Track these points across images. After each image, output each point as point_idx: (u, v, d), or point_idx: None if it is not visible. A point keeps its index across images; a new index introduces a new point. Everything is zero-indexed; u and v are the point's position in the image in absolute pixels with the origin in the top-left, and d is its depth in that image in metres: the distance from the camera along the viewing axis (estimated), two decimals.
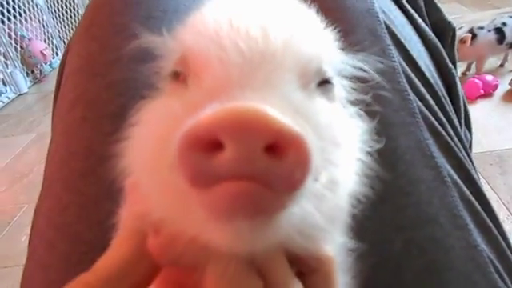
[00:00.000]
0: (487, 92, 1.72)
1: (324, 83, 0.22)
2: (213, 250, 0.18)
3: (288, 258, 0.20)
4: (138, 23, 0.40)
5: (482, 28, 1.81)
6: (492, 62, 1.94)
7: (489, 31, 1.80)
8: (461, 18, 2.31)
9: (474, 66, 1.92)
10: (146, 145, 0.20)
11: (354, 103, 0.26)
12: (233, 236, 0.16)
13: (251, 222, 0.16)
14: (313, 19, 0.24)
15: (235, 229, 0.16)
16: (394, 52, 0.39)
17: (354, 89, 0.26)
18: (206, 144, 0.15)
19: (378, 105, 0.28)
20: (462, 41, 1.75)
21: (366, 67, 0.25)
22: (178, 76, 0.22)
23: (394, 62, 0.39)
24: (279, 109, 0.16)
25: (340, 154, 0.20)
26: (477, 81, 1.71)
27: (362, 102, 0.26)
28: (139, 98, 0.38)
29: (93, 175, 0.37)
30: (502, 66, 1.95)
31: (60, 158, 0.39)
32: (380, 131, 0.24)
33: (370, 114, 0.25)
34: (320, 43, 0.22)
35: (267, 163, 0.15)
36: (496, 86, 1.74)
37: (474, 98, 1.68)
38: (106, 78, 0.39)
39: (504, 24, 1.80)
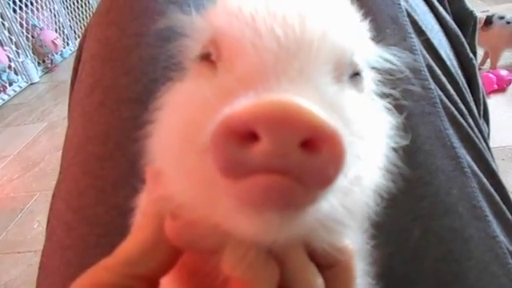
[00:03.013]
0: (501, 87, 1.69)
1: (355, 75, 0.22)
2: (232, 236, 0.18)
3: (307, 250, 0.20)
4: (158, 9, 0.40)
5: (502, 18, 1.76)
6: (507, 56, 1.90)
7: (508, 23, 1.75)
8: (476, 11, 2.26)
9: (488, 60, 1.88)
10: (173, 128, 0.20)
11: (382, 96, 0.25)
12: (260, 227, 0.16)
13: (280, 215, 0.16)
14: (348, 9, 0.23)
15: (264, 220, 0.16)
16: (416, 40, 0.39)
17: (382, 82, 0.25)
18: (241, 135, 0.15)
19: (404, 98, 0.27)
20: None
21: (394, 60, 0.25)
22: (207, 58, 0.21)
23: (416, 50, 0.38)
24: (315, 103, 0.15)
25: (365, 148, 0.19)
26: (491, 75, 1.68)
27: (390, 96, 0.25)
28: (158, 83, 0.39)
29: (110, 160, 0.37)
30: None
31: (78, 142, 0.40)
32: (405, 125, 0.24)
33: (397, 108, 0.25)
34: (354, 35, 0.22)
35: (301, 158, 0.15)
36: (510, 81, 1.71)
37: (487, 93, 1.65)
38: (124, 64, 0.39)
39: None
